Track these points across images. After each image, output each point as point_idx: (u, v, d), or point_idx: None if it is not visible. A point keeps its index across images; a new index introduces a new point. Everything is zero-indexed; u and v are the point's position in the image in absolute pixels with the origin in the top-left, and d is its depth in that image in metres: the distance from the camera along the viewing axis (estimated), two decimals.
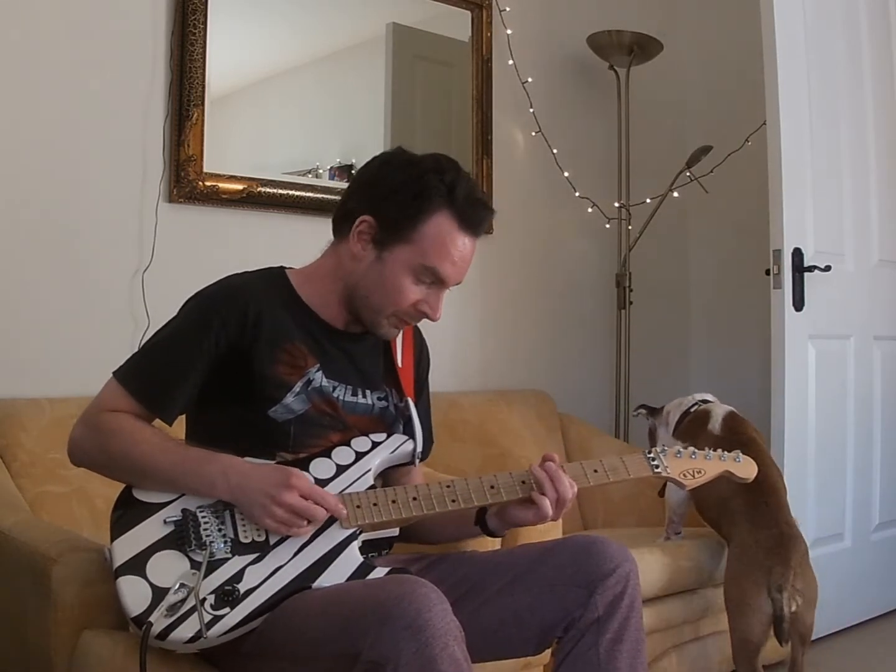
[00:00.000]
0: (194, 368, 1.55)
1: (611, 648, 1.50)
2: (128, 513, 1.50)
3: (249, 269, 1.69)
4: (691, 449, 1.71)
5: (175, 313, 1.64)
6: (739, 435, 2.45)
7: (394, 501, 1.55)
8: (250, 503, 1.47)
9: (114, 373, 1.59)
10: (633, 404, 3.17)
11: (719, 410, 2.55)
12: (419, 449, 1.69)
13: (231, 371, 1.56)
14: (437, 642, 1.25)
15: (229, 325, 1.56)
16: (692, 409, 2.58)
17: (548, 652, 1.70)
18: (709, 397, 2.63)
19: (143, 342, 1.66)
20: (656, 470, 1.67)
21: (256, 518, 1.47)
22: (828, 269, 2.75)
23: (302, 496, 1.46)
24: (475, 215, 1.62)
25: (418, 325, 1.81)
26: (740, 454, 1.74)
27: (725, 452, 1.73)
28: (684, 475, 1.68)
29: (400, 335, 1.75)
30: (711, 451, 1.72)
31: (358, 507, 1.53)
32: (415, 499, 1.55)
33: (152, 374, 1.57)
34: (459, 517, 1.68)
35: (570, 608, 1.52)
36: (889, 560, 3.10)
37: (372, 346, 1.72)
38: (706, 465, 1.70)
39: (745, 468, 1.74)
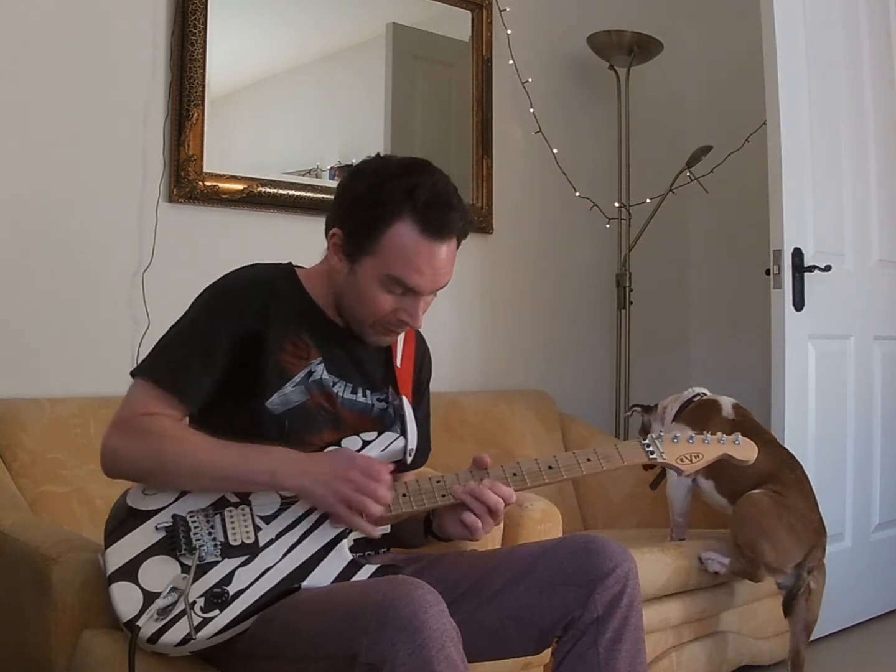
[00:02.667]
0: (217, 354, 1.54)
1: (610, 648, 1.50)
2: (121, 522, 1.50)
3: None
4: (689, 433, 1.67)
5: (179, 313, 1.62)
6: (753, 422, 2.52)
7: None
8: (319, 485, 1.47)
9: (133, 373, 1.58)
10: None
11: (726, 399, 2.58)
12: (410, 446, 1.65)
13: (239, 360, 1.56)
14: (433, 644, 1.25)
15: (245, 314, 1.56)
16: (694, 399, 2.60)
17: (548, 652, 1.70)
18: (706, 391, 2.65)
19: (161, 337, 1.62)
20: (651, 456, 1.63)
21: (327, 501, 1.48)
22: (828, 268, 2.75)
23: (363, 475, 1.47)
24: (438, 219, 1.54)
25: (421, 331, 1.81)
26: (740, 436, 1.68)
27: (724, 435, 1.67)
28: (681, 460, 1.63)
29: (402, 339, 1.74)
30: (710, 435, 1.67)
31: None
32: (404, 495, 1.55)
33: (176, 362, 1.55)
34: (414, 526, 1.68)
35: (570, 608, 1.52)
36: (889, 560, 3.10)
37: (375, 349, 1.71)
38: (704, 449, 1.65)
39: (745, 450, 1.68)
